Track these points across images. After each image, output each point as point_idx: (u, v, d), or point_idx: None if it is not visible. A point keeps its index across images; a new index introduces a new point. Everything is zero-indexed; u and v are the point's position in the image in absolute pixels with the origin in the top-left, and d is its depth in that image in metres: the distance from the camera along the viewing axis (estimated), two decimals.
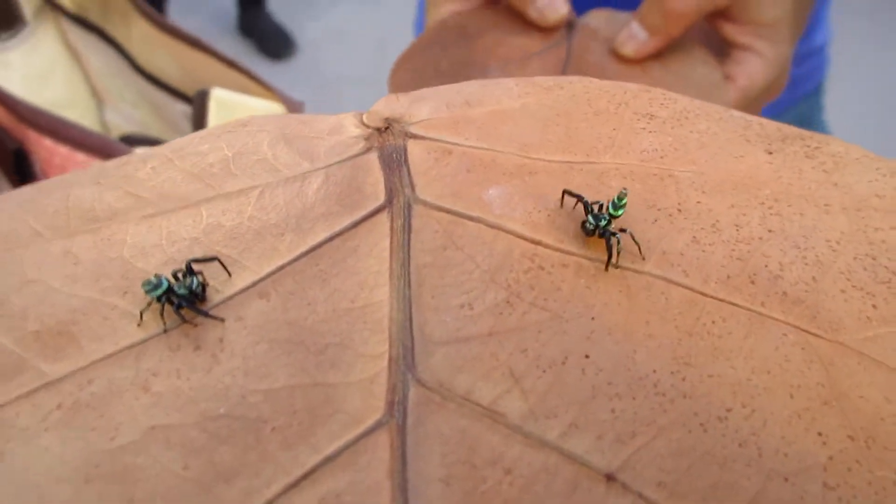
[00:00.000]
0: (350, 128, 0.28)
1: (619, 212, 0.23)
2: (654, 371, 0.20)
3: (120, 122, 1.09)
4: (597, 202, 0.24)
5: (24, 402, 0.20)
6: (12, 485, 0.18)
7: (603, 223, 0.23)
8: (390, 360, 0.20)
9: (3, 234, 0.25)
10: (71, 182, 0.27)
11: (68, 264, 0.23)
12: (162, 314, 0.21)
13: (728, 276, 0.23)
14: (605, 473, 0.18)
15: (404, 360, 0.20)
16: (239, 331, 0.21)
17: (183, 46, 0.95)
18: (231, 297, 0.22)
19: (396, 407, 0.19)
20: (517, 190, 0.25)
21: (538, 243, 0.23)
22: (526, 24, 0.49)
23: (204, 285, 0.22)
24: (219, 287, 0.22)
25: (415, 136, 0.27)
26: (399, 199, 0.25)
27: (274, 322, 0.21)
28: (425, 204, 0.25)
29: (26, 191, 0.27)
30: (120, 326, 0.21)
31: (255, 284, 0.22)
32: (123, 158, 0.29)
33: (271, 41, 2.34)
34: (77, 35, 1.06)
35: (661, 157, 0.27)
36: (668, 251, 0.23)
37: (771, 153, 0.28)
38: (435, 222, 0.24)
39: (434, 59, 0.47)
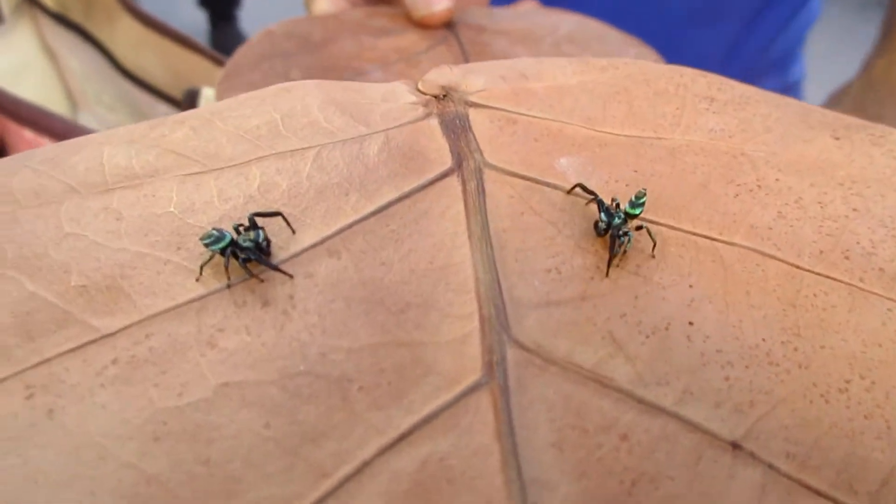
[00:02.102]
0: (405, 94, 0.27)
1: (638, 210, 0.21)
2: (764, 340, 0.19)
3: (95, 125, 1.06)
4: (613, 199, 0.22)
5: (73, 357, 0.18)
6: (67, 443, 0.16)
7: (617, 221, 0.21)
8: (482, 320, 0.18)
9: (30, 190, 0.23)
10: (99, 141, 0.25)
11: (110, 219, 0.21)
12: (226, 268, 0.19)
13: (821, 252, 0.22)
14: (731, 442, 0.17)
15: (498, 320, 0.18)
16: (310, 288, 0.19)
17: (171, 45, 0.93)
18: (297, 255, 0.20)
19: (496, 368, 0.17)
20: (589, 160, 0.24)
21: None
22: (392, 25, 0.46)
23: (269, 240, 0.20)
24: (282, 244, 0.20)
25: (475, 105, 0.26)
26: (469, 163, 0.23)
27: (347, 281, 0.19)
28: (496, 169, 0.23)
29: (46, 149, 0.26)
30: (176, 281, 0.19)
31: (322, 242, 0.20)
32: (154, 121, 0.27)
33: None
34: (55, 34, 1.04)
35: (730, 137, 0.26)
36: (757, 225, 0.22)
37: (838, 139, 0.27)
38: (509, 187, 0.23)
39: (279, 69, 0.44)
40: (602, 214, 0.21)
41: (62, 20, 1.03)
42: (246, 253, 0.19)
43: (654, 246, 0.21)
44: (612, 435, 0.17)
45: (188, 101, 0.81)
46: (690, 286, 0.20)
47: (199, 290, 0.19)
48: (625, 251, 0.20)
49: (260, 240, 0.20)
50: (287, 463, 0.16)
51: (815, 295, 0.20)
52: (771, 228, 0.22)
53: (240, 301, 0.19)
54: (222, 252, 0.19)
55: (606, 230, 0.21)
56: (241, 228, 0.20)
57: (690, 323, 0.19)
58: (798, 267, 0.21)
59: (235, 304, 0.19)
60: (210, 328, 0.18)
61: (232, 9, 2.36)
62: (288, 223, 0.21)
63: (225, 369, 0.17)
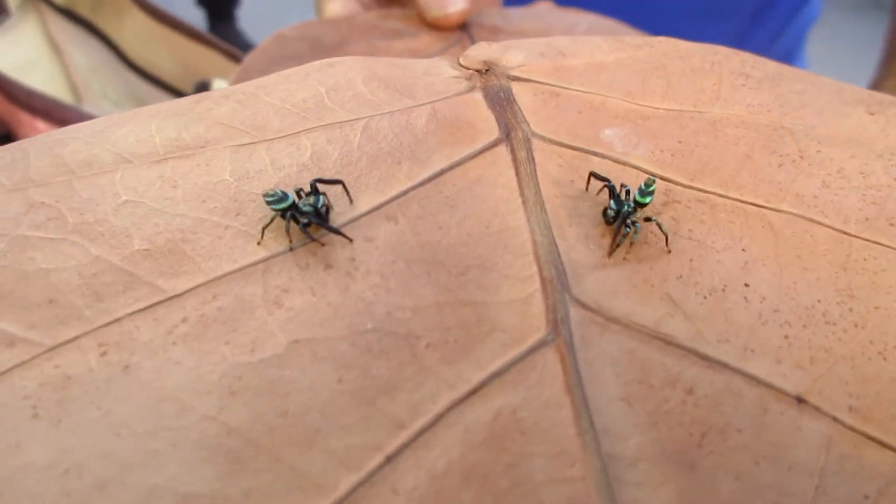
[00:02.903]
0: (447, 69, 0.27)
1: (647, 199, 0.21)
2: (819, 301, 0.19)
3: None
4: (623, 186, 0.22)
5: (143, 316, 0.18)
6: (146, 396, 0.16)
7: (626, 209, 0.20)
8: (543, 280, 0.19)
9: (84, 160, 0.23)
10: (146, 114, 0.26)
11: (167, 187, 0.22)
12: (288, 231, 0.20)
13: (867, 218, 0.22)
14: (795, 396, 0.17)
15: (559, 281, 0.19)
16: (371, 251, 0.19)
17: (181, 38, 0.93)
18: (356, 219, 0.20)
19: (561, 326, 0.18)
20: (633, 131, 0.25)
21: (668, 180, 0.23)
22: (405, 27, 0.46)
23: (328, 206, 0.20)
24: (340, 210, 0.21)
25: (518, 79, 0.26)
26: (517, 133, 0.24)
27: (407, 244, 0.20)
28: (544, 139, 0.24)
29: (93, 123, 0.26)
30: (237, 245, 0.20)
31: (380, 207, 0.21)
32: (197, 96, 0.27)
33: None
34: (61, 28, 1.04)
35: (768, 111, 0.27)
36: (802, 193, 0.23)
37: (873, 114, 0.27)
38: (557, 157, 0.23)
39: None
40: (612, 202, 0.21)
41: (69, 14, 1.03)
42: (307, 217, 0.20)
43: (667, 239, 0.20)
44: (677, 389, 0.17)
45: (199, 93, 0.81)
46: (743, 249, 0.20)
47: (262, 252, 0.20)
48: (631, 242, 0.20)
49: (319, 205, 0.20)
50: (364, 414, 0.16)
51: (864, 259, 0.21)
52: (816, 196, 0.23)
53: (303, 263, 0.19)
54: (283, 215, 0.20)
55: (615, 218, 0.20)
56: (302, 194, 0.21)
57: (746, 284, 0.19)
58: (846, 233, 0.21)
59: (299, 267, 0.19)
60: (276, 289, 0.19)
61: (231, 7, 2.36)
62: (347, 191, 0.21)
63: (294, 327, 0.18)
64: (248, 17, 2.43)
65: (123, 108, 1.06)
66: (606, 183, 0.21)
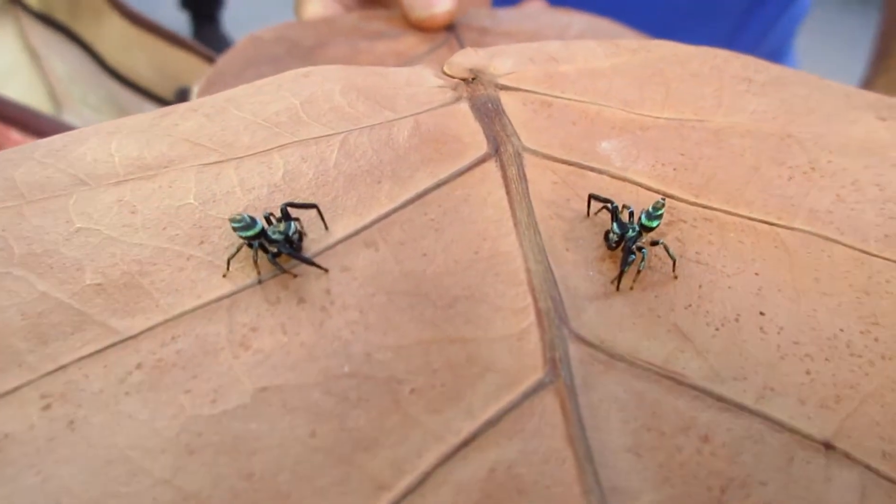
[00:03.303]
0: (431, 78, 0.25)
1: (655, 223, 0.19)
2: (842, 330, 0.17)
3: (80, 126, 1.04)
4: (626, 207, 0.20)
5: (93, 362, 0.16)
6: (92, 457, 0.14)
7: (630, 234, 0.18)
8: (538, 313, 0.17)
9: (37, 183, 0.21)
10: (106, 130, 0.24)
11: (125, 212, 0.20)
12: (255, 262, 0.18)
13: (886, 235, 0.20)
14: (822, 441, 0.15)
15: (556, 313, 0.17)
16: (348, 282, 0.18)
17: (161, 43, 0.91)
18: (332, 247, 0.19)
19: (559, 365, 0.16)
20: (632, 143, 0.23)
21: (672, 197, 0.21)
22: (389, 28, 0.44)
23: (301, 233, 0.18)
24: (315, 237, 0.19)
25: (506, 88, 0.25)
26: (507, 148, 0.22)
27: (388, 273, 0.18)
28: (536, 153, 0.22)
29: (50, 140, 0.24)
30: (200, 278, 0.18)
31: (358, 233, 0.19)
32: (162, 109, 0.25)
33: None
34: (39, 34, 1.01)
35: (774, 118, 0.25)
36: (816, 209, 0.21)
37: (884, 119, 0.26)
38: (551, 173, 0.21)
39: (266, 76, 0.43)
40: (615, 225, 0.19)
41: (46, 20, 1.00)
42: (276, 246, 0.18)
43: (675, 264, 0.19)
44: (691, 436, 0.15)
45: (179, 100, 0.79)
46: (756, 273, 0.19)
47: (228, 286, 0.18)
48: (639, 270, 0.18)
49: (290, 232, 0.18)
50: (340, 474, 0.14)
51: (887, 281, 0.19)
52: (831, 212, 0.21)
53: (272, 298, 0.17)
54: (249, 243, 0.18)
55: (619, 243, 0.18)
56: (272, 219, 0.19)
57: (762, 313, 0.18)
58: (866, 252, 0.20)
59: (268, 302, 0.17)
60: (242, 327, 0.17)
61: (215, 10, 2.33)
62: (322, 217, 0.19)
63: (262, 372, 0.16)
64: (232, 21, 2.40)
65: (104, 115, 1.04)
66: (608, 205, 0.19)
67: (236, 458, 0.14)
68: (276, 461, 0.14)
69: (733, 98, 0.26)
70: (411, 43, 0.43)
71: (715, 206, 0.21)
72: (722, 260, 0.19)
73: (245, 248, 0.18)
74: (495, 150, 0.22)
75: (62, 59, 1.05)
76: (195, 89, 0.80)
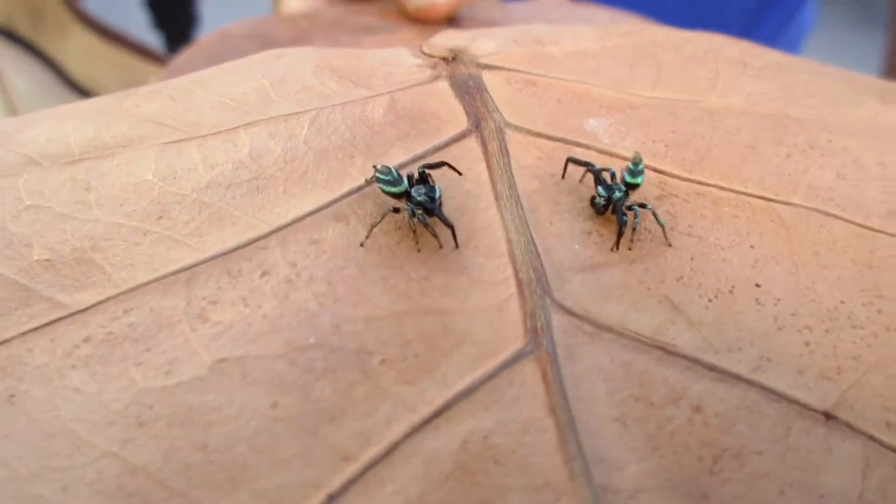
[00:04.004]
0: (409, 58, 0.25)
1: (639, 179, 0.19)
2: (843, 302, 0.17)
3: None
4: (606, 169, 0.20)
5: (37, 336, 0.16)
6: (33, 431, 0.14)
7: (617, 195, 0.18)
8: (519, 284, 0.17)
9: None
10: (61, 114, 0.24)
11: (79, 190, 0.20)
12: (413, 226, 0.18)
13: (890, 211, 0.20)
14: (823, 411, 0.15)
15: (539, 283, 0.17)
16: (317, 255, 0.18)
17: (130, 57, 0.92)
18: (300, 219, 0.18)
19: (541, 335, 0.16)
20: (621, 121, 0.23)
21: (662, 172, 0.21)
22: (379, 22, 0.41)
23: (436, 194, 0.19)
24: (281, 210, 0.19)
25: (489, 67, 0.25)
26: (488, 123, 0.22)
27: (358, 247, 0.18)
28: (520, 129, 0.22)
29: (3, 122, 0.24)
30: (158, 252, 0.18)
31: (328, 206, 0.19)
32: (123, 93, 0.26)
33: None
34: (1, 51, 1.02)
35: (771, 101, 0.25)
36: (815, 185, 0.21)
37: (887, 103, 0.26)
38: (535, 148, 0.21)
39: None
40: (599, 188, 0.19)
41: (7, 35, 1.01)
42: (423, 207, 0.18)
43: (665, 230, 0.19)
44: (682, 406, 0.15)
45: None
46: (752, 246, 0.19)
47: (187, 259, 0.18)
48: (633, 228, 0.18)
49: (437, 195, 0.18)
50: (302, 446, 0.14)
51: (892, 255, 0.19)
52: (832, 188, 0.21)
53: (234, 270, 0.17)
54: (395, 208, 0.18)
55: (606, 206, 0.19)
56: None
57: (757, 285, 0.18)
58: (868, 227, 0.20)
59: (230, 275, 0.17)
60: (201, 300, 0.17)
61: (189, 30, 2.35)
62: (454, 168, 0.20)
63: (221, 344, 0.16)
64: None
65: None
66: (589, 167, 0.19)
67: (190, 430, 0.14)
68: (233, 433, 0.14)
69: (729, 80, 0.26)
70: (405, 37, 0.40)
71: (710, 181, 0.21)
72: (715, 233, 0.19)
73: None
74: (476, 126, 0.22)
75: (24, 75, 1.05)
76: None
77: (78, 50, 1.01)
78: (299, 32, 0.41)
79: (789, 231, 0.19)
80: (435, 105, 0.23)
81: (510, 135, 0.22)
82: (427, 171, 0.19)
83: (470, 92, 0.23)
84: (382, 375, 0.15)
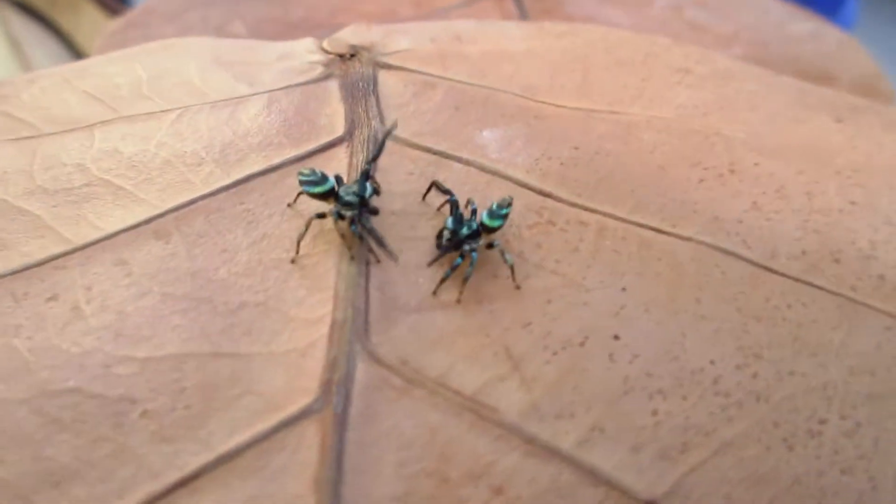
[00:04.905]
0: (304, 53, 0.23)
1: (496, 223, 0.17)
2: (712, 363, 0.15)
3: None
4: (469, 203, 0.17)
5: None
6: None
7: (464, 233, 0.16)
8: (333, 325, 0.15)
9: None
10: None
11: None
12: (342, 234, 0.16)
13: (803, 252, 0.18)
14: (647, 501, 0.12)
15: (353, 325, 0.14)
16: (118, 279, 0.15)
17: None
18: (112, 236, 0.16)
19: (336, 389, 0.13)
20: (519, 133, 0.20)
21: (548, 195, 0.18)
22: None
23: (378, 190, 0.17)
24: (100, 224, 0.17)
25: (389, 67, 0.22)
26: (361, 132, 0.19)
27: (171, 270, 0.16)
28: (398, 140, 0.19)
29: None
30: None
31: (149, 221, 0.17)
32: (8, 79, 0.24)
33: None
34: (21, 24, 1.01)
35: (704, 115, 0.22)
36: (722, 217, 0.18)
37: (840, 121, 0.23)
38: (409, 162, 0.19)
39: (211, 22, 0.33)
40: (449, 220, 0.16)
41: (25, 8, 1.00)
42: (350, 210, 0.16)
43: (513, 272, 0.16)
44: (481, 487, 0.13)
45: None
46: (623, 289, 0.16)
47: None
48: (465, 278, 0.15)
49: (367, 194, 0.16)
50: None
51: (788, 306, 0.16)
52: (741, 221, 0.18)
53: (20, 292, 0.15)
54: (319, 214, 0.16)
55: (449, 242, 0.16)
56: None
57: (616, 337, 0.15)
58: (770, 269, 0.17)
59: (13, 297, 0.15)
60: None
61: None
62: (374, 188, 0.17)
63: None
64: None
65: None
66: (449, 197, 0.17)
67: None
68: None
69: (660, 89, 0.23)
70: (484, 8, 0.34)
71: (597, 207, 0.18)
72: (585, 272, 0.16)
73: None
74: (350, 135, 0.20)
75: (41, 48, 1.04)
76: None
77: (89, 27, 1.00)
78: None
79: (674, 271, 0.17)
80: (314, 108, 0.21)
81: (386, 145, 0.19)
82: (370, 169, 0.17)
83: (356, 95, 0.21)
84: (137, 431, 0.13)
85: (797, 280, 0.17)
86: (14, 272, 0.16)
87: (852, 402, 0.14)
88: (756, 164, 0.20)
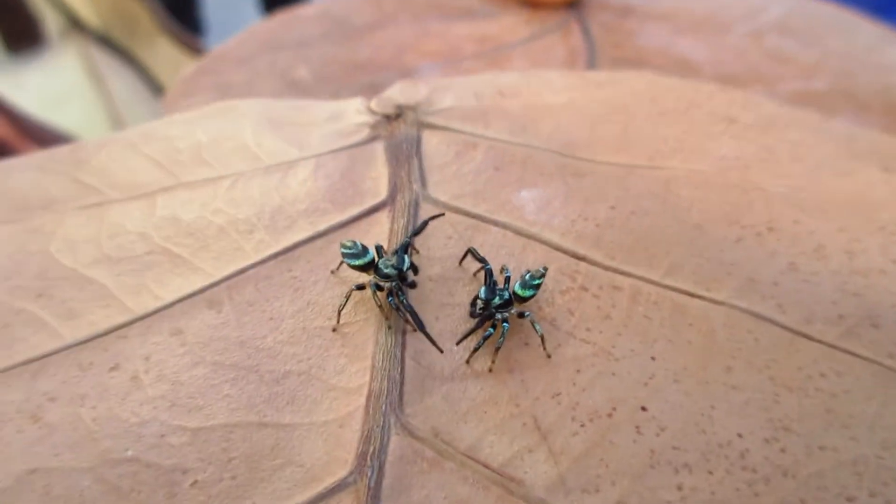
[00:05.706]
0: (353, 114, 0.24)
1: (529, 293, 0.17)
2: (740, 436, 0.15)
3: None
4: (503, 270, 0.18)
5: None
6: None
7: (496, 302, 0.17)
8: (369, 395, 0.15)
9: None
10: (11, 167, 0.24)
11: None
12: (379, 303, 0.17)
13: (840, 316, 0.18)
14: None
15: (388, 397, 0.15)
16: (174, 348, 0.16)
17: None
18: (169, 306, 0.17)
19: (370, 461, 0.14)
20: (557, 193, 0.21)
21: (582, 258, 0.19)
22: (482, 5, 0.35)
23: (404, 265, 0.17)
24: (159, 293, 0.18)
25: (433, 127, 0.23)
26: (403, 196, 0.20)
27: (222, 339, 0.17)
28: (437, 203, 0.20)
29: None
30: (21, 337, 0.17)
31: (203, 290, 0.18)
32: (79, 143, 0.25)
33: None
34: (102, 58, 1.06)
35: (746, 168, 0.22)
36: (758, 279, 0.18)
37: (888, 171, 0.23)
38: (448, 226, 0.20)
39: (279, 66, 0.33)
40: (482, 290, 0.17)
41: (107, 42, 1.05)
42: (390, 282, 0.17)
43: (543, 341, 0.16)
44: None
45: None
46: (653, 358, 0.16)
47: (46, 346, 0.17)
48: (497, 347, 0.16)
49: (405, 267, 0.17)
50: None
51: (822, 375, 0.16)
52: (776, 284, 0.18)
53: (86, 363, 0.16)
54: (359, 286, 0.17)
55: (482, 312, 0.16)
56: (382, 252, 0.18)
57: (644, 408, 0.15)
58: (805, 335, 0.17)
59: (80, 367, 0.16)
60: (41, 396, 0.16)
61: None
62: (412, 263, 0.18)
63: (40, 451, 0.15)
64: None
65: None
66: (483, 265, 0.18)
67: None
68: None
69: (702, 141, 0.23)
70: (509, 25, 0.35)
71: (631, 271, 0.19)
72: (615, 339, 0.17)
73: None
74: (392, 199, 0.20)
75: (122, 80, 1.09)
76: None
77: (164, 59, 1.04)
78: (382, 13, 0.35)
79: (706, 338, 0.17)
80: (360, 171, 0.21)
81: (425, 209, 0.20)
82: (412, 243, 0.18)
83: (400, 157, 0.22)
84: (188, 501, 0.14)
85: (833, 347, 0.17)
86: (81, 342, 0.17)
87: (884, 478, 0.14)
88: (796, 222, 0.20)
